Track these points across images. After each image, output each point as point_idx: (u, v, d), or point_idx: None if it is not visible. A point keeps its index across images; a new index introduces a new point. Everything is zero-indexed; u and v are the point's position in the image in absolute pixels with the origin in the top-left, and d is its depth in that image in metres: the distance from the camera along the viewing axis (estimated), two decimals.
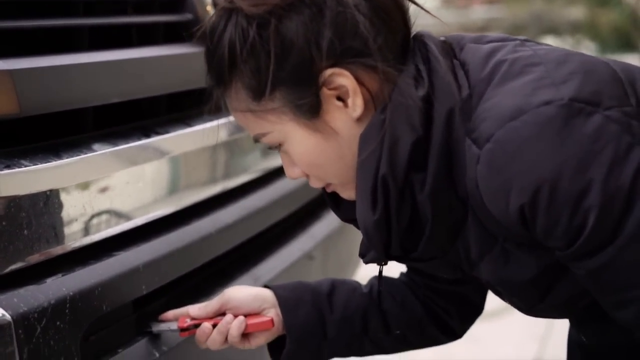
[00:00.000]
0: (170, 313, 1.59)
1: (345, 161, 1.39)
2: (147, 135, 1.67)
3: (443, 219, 1.36)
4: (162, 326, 1.57)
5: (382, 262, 1.51)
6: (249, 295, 1.60)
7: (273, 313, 1.60)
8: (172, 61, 1.79)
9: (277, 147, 1.41)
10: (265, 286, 1.64)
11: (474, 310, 1.69)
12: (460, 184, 1.33)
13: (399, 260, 1.46)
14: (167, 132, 1.72)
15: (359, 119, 1.36)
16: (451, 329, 1.69)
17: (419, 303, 1.66)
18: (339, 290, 1.65)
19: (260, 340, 1.61)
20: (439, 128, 1.32)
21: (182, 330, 1.56)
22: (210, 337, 1.56)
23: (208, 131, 1.73)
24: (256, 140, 1.42)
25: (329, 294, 1.64)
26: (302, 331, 1.61)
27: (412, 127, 1.32)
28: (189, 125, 1.78)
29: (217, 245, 1.78)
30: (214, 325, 1.56)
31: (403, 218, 1.36)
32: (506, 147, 1.26)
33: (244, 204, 1.93)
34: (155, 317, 1.59)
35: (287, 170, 1.45)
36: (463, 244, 1.40)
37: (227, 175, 1.90)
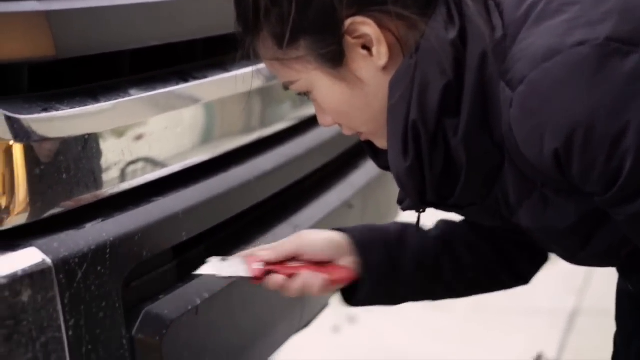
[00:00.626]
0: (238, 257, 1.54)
1: (373, 110, 1.37)
2: (185, 80, 1.64)
3: (478, 165, 1.34)
4: (229, 271, 1.49)
5: (419, 209, 1.48)
6: (324, 243, 1.56)
7: (348, 261, 1.56)
8: (209, 4, 1.76)
9: (306, 94, 1.40)
10: (337, 229, 1.60)
11: (542, 256, 1.66)
12: (496, 128, 1.30)
13: (436, 206, 1.43)
14: (205, 77, 1.69)
15: (385, 68, 1.34)
16: (521, 273, 1.66)
17: (489, 247, 1.63)
18: (410, 234, 1.61)
19: (333, 289, 1.59)
20: (472, 71, 1.29)
21: (255, 278, 1.49)
22: (287, 289, 1.51)
23: (246, 76, 1.70)
24: (286, 87, 1.42)
25: (401, 239, 1.60)
26: (378, 277, 1.58)
27: (443, 70, 1.29)
28: (227, 70, 1.75)
29: (256, 193, 1.75)
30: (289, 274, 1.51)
31: (436, 164, 1.34)
32: (539, 89, 1.22)
33: (283, 151, 1.90)
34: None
35: (319, 118, 1.45)
36: (501, 189, 1.37)
37: (265, 121, 1.87)
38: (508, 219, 1.42)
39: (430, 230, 1.64)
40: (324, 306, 2.10)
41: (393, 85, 1.33)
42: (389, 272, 1.59)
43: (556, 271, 3.84)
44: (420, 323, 3.52)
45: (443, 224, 1.65)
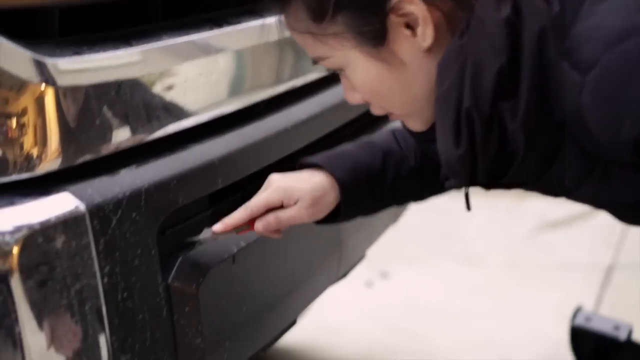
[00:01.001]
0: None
1: (411, 93, 1.32)
2: (219, 26, 1.60)
3: (536, 147, 1.27)
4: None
5: (466, 188, 1.44)
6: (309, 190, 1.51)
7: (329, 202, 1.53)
8: None
9: (337, 71, 1.35)
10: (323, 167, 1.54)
11: None
12: (557, 108, 1.23)
13: (485, 186, 1.37)
14: (239, 23, 1.65)
15: (429, 49, 1.28)
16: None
17: None
18: (389, 165, 1.57)
19: None
20: (529, 50, 1.21)
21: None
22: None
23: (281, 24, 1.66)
24: (315, 62, 1.36)
25: (381, 171, 1.57)
26: (354, 214, 1.57)
27: (496, 51, 1.22)
28: (262, 16, 1.71)
29: (291, 142, 1.72)
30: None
31: (490, 149, 1.27)
32: (615, 74, 1.15)
33: (319, 100, 1.86)
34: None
35: (346, 95, 1.39)
36: (558, 169, 1.30)
37: (301, 69, 1.83)
38: (562, 196, 1.37)
39: (408, 160, 1.59)
40: (361, 257, 2.08)
41: (442, 69, 1.26)
42: (365, 209, 1.59)
43: (592, 226, 3.83)
44: (453, 278, 3.50)
45: (418, 148, 1.59)
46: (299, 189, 1.48)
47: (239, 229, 1.46)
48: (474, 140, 1.27)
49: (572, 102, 1.20)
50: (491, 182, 1.34)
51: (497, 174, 1.32)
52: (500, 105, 1.24)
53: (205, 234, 1.45)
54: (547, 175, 1.32)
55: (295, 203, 1.48)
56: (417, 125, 1.38)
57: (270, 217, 1.47)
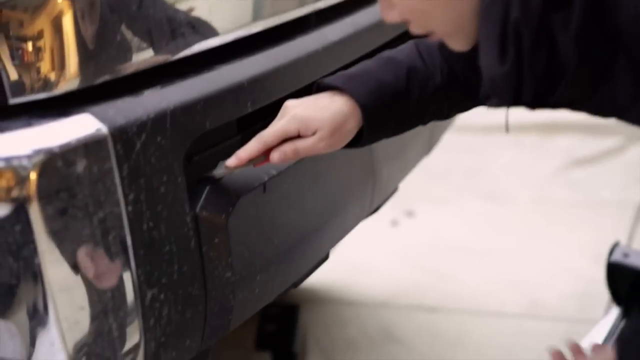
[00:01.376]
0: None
1: (455, 8, 1.24)
2: None
3: (588, 62, 1.20)
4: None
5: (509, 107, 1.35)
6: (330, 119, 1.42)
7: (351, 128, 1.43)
8: None
9: None
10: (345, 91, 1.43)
11: None
12: (612, 19, 1.16)
13: (530, 106, 1.30)
14: None
15: None
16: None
17: (475, 77, 1.44)
18: (413, 84, 1.47)
19: None
20: None
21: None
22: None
23: None
24: None
25: (405, 91, 1.47)
26: (378, 136, 1.49)
27: None
28: None
29: (324, 64, 1.63)
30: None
31: (538, 65, 1.21)
32: None
33: (353, 21, 1.77)
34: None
35: (384, 13, 1.29)
36: (610, 87, 1.23)
37: None
38: (613, 116, 1.30)
39: (433, 77, 1.48)
40: (394, 190, 2.00)
41: None
42: (388, 131, 1.49)
43: (621, 163, 3.74)
44: (480, 217, 3.43)
45: (445, 65, 1.48)
46: (318, 118, 1.39)
47: (254, 160, 1.37)
48: (520, 55, 1.20)
49: (630, 11, 1.14)
50: (536, 102, 1.28)
51: (544, 92, 1.26)
52: (551, 17, 1.18)
53: (219, 169, 1.36)
54: (598, 94, 1.26)
55: (314, 133, 1.39)
56: (461, 44, 1.30)
57: (287, 148, 1.38)
